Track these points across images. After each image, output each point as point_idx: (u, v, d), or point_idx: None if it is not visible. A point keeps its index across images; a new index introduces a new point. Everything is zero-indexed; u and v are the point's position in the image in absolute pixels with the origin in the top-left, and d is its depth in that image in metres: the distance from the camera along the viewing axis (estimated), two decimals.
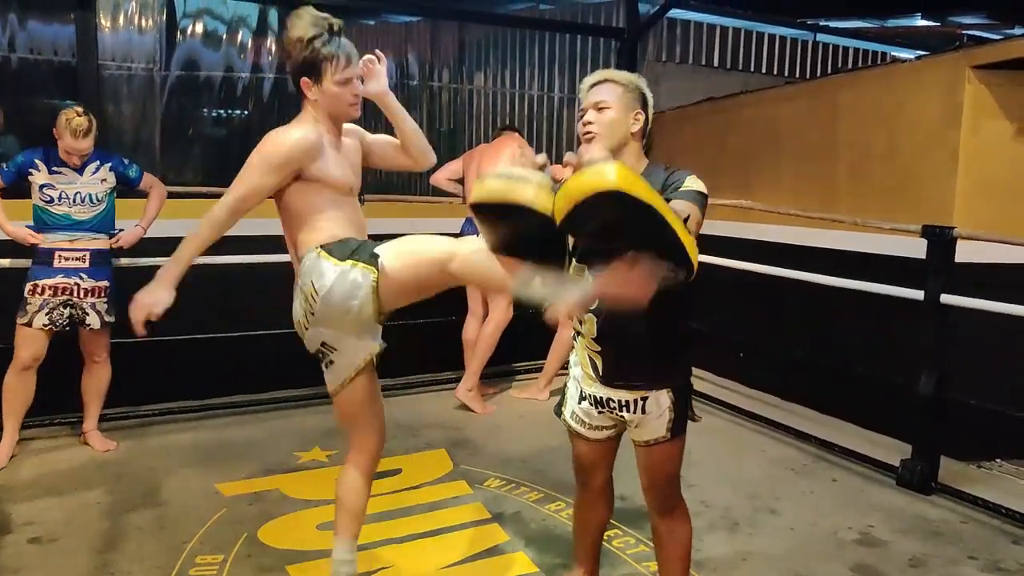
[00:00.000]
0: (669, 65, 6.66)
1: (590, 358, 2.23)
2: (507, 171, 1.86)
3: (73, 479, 3.62)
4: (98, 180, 3.84)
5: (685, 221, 1.83)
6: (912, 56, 5.73)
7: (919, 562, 3.03)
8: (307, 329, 2.25)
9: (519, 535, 3.16)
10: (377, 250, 2.15)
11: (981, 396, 3.69)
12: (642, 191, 1.69)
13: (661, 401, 2.19)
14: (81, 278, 3.79)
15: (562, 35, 6.38)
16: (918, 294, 3.69)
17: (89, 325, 3.84)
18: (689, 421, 2.26)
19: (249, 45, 5.35)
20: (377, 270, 2.12)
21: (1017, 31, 5.31)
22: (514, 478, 3.73)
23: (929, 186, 4.23)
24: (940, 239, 3.65)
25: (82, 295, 3.80)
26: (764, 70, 7.19)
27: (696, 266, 1.82)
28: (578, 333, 2.27)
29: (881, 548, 3.14)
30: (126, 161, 3.98)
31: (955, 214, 4.02)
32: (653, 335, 2.14)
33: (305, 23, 2.23)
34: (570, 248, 2.07)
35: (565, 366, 2.49)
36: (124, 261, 4.05)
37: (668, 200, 1.85)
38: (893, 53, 7.70)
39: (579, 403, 2.32)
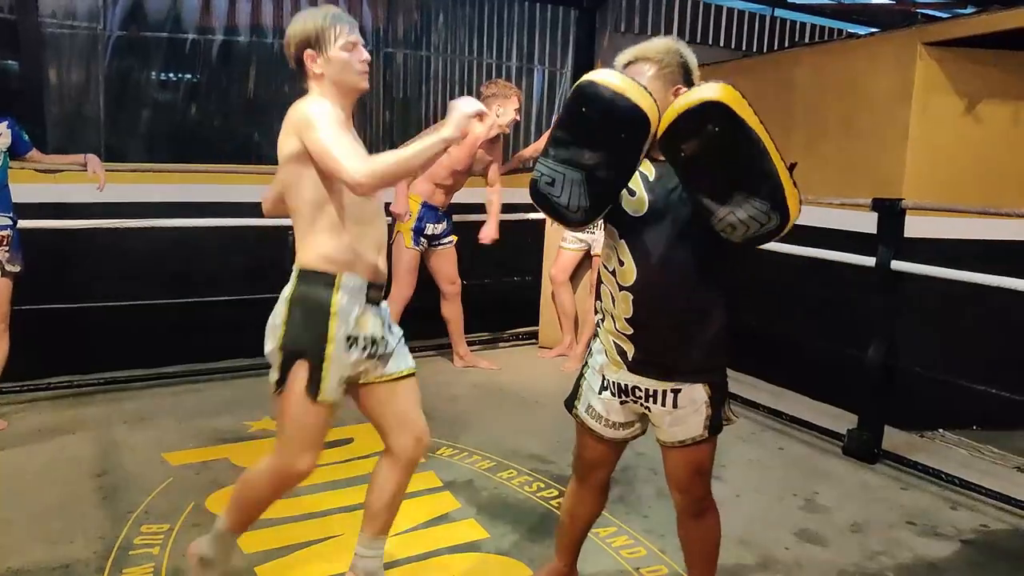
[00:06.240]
0: (628, 36, 6.62)
1: (615, 343, 2.03)
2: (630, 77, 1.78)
3: (14, 446, 3.53)
4: None
5: (791, 169, 1.70)
6: (867, 33, 5.77)
7: (860, 527, 3.11)
8: None
9: (470, 503, 3.17)
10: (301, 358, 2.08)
11: (927, 367, 3.80)
12: (748, 113, 1.66)
13: (696, 396, 1.99)
14: None
15: (520, 2, 6.31)
16: (869, 260, 3.77)
17: None
18: (724, 423, 2.06)
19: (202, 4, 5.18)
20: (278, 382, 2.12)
21: (969, 10, 5.40)
22: (466, 447, 3.73)
23: (881, 160, 4.28)
24: (890, 211, 3.73)
25: None
26: (722, 43, 7.17)
27: (794, 216, 1.71)
28: (603, 318, 2.07)
29: (824, 514, 3.21)
30: (19, 125, 3.76)
31: (904, 188, 4.09)
32: (694, 320, 1.96)
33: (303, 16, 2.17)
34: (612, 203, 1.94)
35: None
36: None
37: None
38: (850, 30, 7.75)
39: (599, 394, 2.11)
